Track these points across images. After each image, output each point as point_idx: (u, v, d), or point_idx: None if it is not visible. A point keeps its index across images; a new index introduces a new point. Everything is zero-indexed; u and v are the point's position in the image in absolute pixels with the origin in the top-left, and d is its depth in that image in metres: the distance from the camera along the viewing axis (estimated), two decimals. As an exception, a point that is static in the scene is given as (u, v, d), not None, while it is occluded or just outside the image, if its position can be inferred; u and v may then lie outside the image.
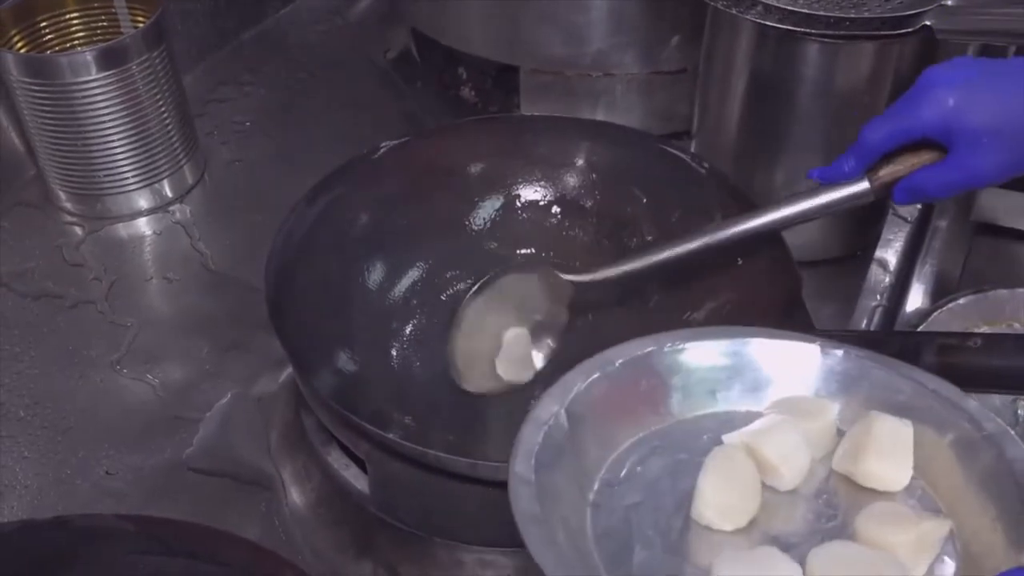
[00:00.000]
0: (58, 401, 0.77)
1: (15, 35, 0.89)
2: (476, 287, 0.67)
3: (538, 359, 0.68)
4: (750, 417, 0.48)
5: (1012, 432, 0.43)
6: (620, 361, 0.48)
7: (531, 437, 0.44)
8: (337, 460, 0.67)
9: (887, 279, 0.84)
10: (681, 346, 0.49)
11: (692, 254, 0.64)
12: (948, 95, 0.56)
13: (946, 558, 0.42)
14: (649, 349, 0.48)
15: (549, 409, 0.45)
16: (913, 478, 0.45)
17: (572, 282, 0.67)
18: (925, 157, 0.59)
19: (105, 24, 0.93)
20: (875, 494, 0.45)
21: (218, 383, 0.78)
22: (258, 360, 0.79)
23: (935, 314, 0.74)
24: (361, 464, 0.65)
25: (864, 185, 0.61)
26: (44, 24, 0.91)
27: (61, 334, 0.82)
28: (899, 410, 0.46)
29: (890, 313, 0.82)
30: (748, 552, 0.43)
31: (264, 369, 0.78)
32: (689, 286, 0.73)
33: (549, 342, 0.68)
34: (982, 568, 0.40)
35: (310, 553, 0.67)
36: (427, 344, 0.75)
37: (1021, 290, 0.76)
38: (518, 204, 0.79)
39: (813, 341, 0.48)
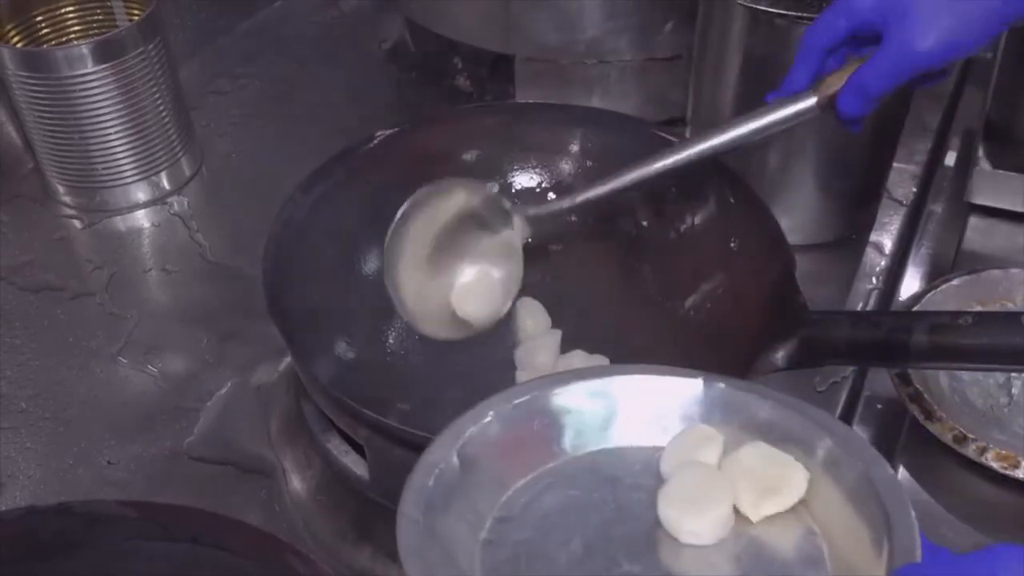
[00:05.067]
0: (59, 392, 0.77)
1: (11, 29, 0.89)
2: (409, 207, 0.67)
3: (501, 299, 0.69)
4: (640, 452, 0.49)
5: (878, 453, 0.44)
6: (513, 403, 0.49)
7: (422, 480, 0.45)
8: (337, 447, 0.68)
9: (882, 262, 0.85)
10: (571, 386, 0.50)
11: (644, 180, 0.65)
12: None
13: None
14: (539, 391, 0.49)
15: (440, 453, 0.46)
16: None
17: (526, 216, 0.68)
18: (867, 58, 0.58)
19: (101, 17, 0.93)
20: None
21: (218, 372, 0.78)
22: (257, 349, 0.79)
23: (929, 295, 0.75)
24: (360, 450, 0.66)
25: (811, 100, 0.60)
26: (40, 18, 0.91)
27: (61, 326, 0.82)
28: (775, 437, 0.47)
29: (885, 295, 0.83)
30: None
31: (264, 358, 0.79)
32: (682, 270, 0.74)
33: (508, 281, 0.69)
34: None
35: (311, 539, 0.68)
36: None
37: (1014, 270, 0.76)
38: (513, 191, 0.80)
39: (696, 376, 0.49)
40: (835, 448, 0.45)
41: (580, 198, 0.67)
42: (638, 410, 0.50)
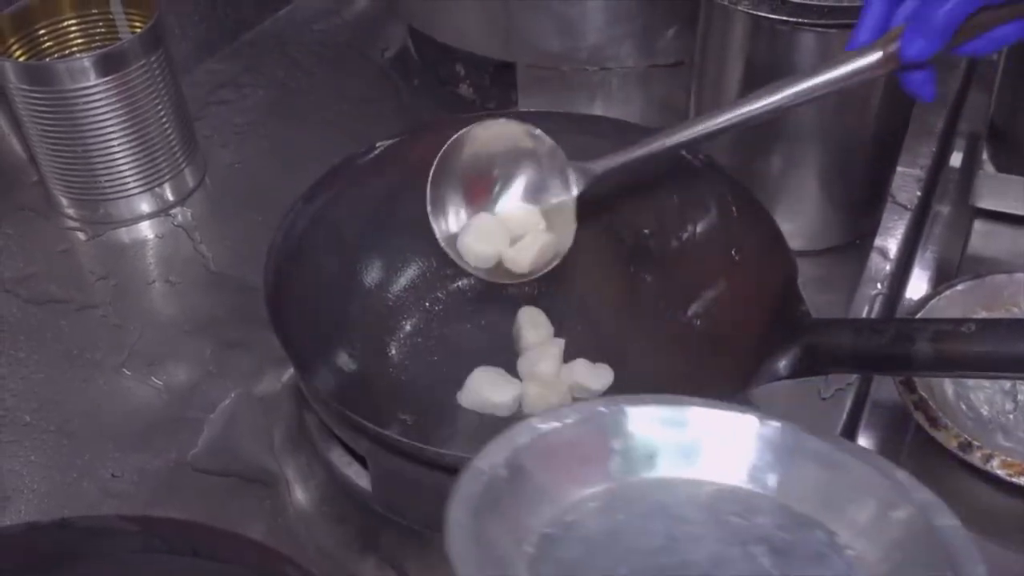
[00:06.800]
0: (63, 405, 0.77)
1: (14, 43, 0.89)
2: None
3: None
4: (687, 485, 0.49)
5: (942, 503, 0.44)
6: (566, 421, 0.48)
7: (470, 486, 0.44)
8: (339, 458, 0.68)
9: (887, 267, 0.84)
10: (624, 409, 0.49)
11: (698, 138, 0.65)
12: None
13: None
14: (592, 411, 0.49)
15: (490, 460, 0.45)
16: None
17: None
18: None
19: (103, 30, 0.94)
20: None
21: (221, 383, 0.78)
22: (261, 360, 0.79)
23: (932, 301, 0.75)
24: (363, 461, 0.66)
25: (875, 55, 0.57)
26: (42, 31, 0.91)
27: (65, 338, 0.82)
28: (831, 480, 0.47)
29: (890, 301, 0.82)
30: None
31: (267, 368, 0.79)
32: (685, 278, 0.74)
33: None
34: None
35: (314, 550, 0.68)
36: (426, 340, 0.75)
37: (1019, 275, 0.76)
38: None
39: (752, 412, 0.49)
40: (892, 491, 0.45)
41: (637, 153, 0.68)
42: (687, 442, 0.49)
